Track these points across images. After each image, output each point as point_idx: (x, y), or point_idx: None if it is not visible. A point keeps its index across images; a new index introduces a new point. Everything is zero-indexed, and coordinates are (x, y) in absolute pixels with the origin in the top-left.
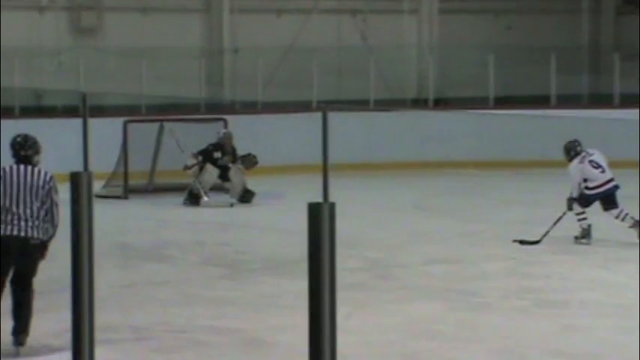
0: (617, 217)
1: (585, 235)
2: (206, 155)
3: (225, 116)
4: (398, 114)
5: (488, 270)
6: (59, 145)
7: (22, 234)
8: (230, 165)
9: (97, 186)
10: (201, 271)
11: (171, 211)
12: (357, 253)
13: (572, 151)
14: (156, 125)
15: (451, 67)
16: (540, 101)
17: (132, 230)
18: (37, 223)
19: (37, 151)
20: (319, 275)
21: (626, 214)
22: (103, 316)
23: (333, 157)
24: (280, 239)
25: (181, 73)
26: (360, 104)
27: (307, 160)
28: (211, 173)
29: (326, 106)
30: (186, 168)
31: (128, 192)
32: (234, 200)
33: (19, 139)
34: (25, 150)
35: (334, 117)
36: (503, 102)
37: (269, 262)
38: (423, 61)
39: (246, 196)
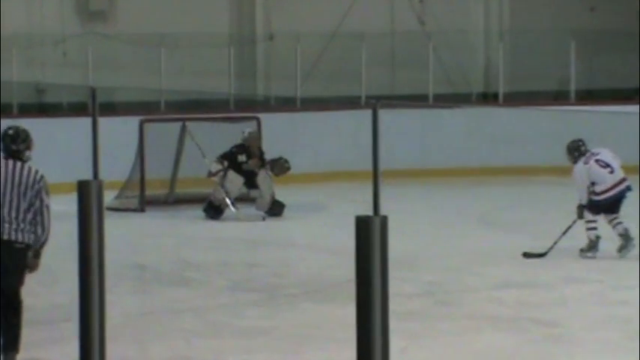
0: (609, 222)
1: (592, 247)
2: (230, 159)
3: (258, 114)
4: (461, 111)
5: (568, 295)
6: (64, 149)
7: (5, 237)
8: (257, 170)
9: (109, 197)
10: (230, 296)
11: (194, 226)
12: (413, 276)
13: (575, 151)
14: (177, 125)
15: (524, 55)
16: (629, 95)
17: (149, 249)
18: (22, 225)
19: (28, 146)
20: (369, 302)
21: (620, 223)
22: (115, 350)
23: (385, 163)
24: (322, 259)
25: (207, 65)
26: (416, 100)
27: (354, 166)
28: (234, 181)
29: (377, 102)
30: (211, 175)
31: (145, 204)
32: (264, 213)
33: (10, 132)
34: (16, 144)
35: (386, 115)
36: (586, 97)
37: (309, 286)
38: (491, 49)
39: (274, 208)
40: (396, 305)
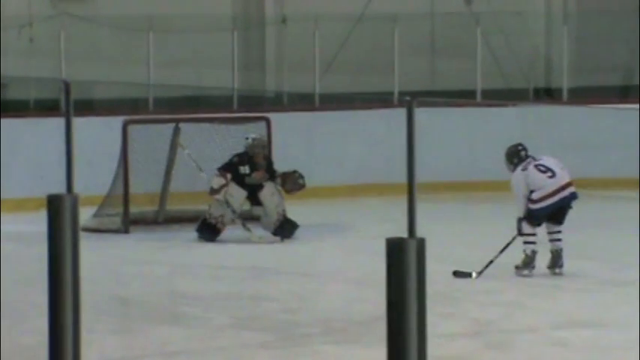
0: (548, 234)
1: (528, 263)
2: (231, 171)
3: (267, 114)
4: (516, 110)
5: None
6: (31, 155)
7: None
8: (264, 184)
9: (86, 215)
10: (233, 336)
11: (189, 250)
12: (458, 312)
13: (514, 157)
14: (169, 127)
15: (593, 42)
16: None
17: (134, 278)
18: None
19: None
20: (402, 343)
21: (558, 240)
22: None
23: (423, 174)
24: (345, 291)
25: (205, 53)
26: (461, 96)
27: (384, 178)
28: (235, 195)
29: (412, 99)
30: (213, 192)
31: (129, 224)
32: (276, 235)
33: None
34: None
35: (424, 115)
36: None
37: (330, 323)
38: (553, 35)
39: (284, 229)
40: (435, 348)
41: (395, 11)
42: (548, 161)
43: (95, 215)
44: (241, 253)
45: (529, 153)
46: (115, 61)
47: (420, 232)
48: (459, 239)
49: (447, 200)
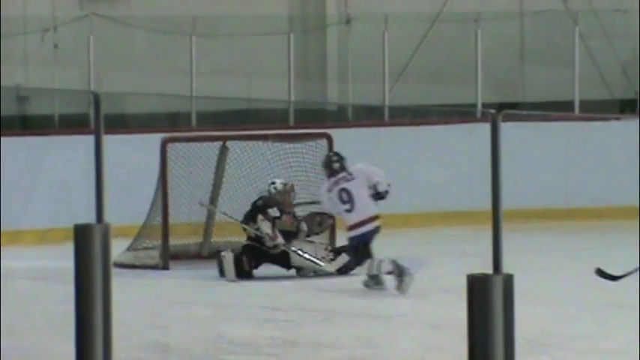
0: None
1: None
2: (256, 217)
3: (328, 130)
4: (621, 125)
5: None
6: (56, 179)
7: None
8: (293, 230)
9: (119, 248)
10: None
11: (237, 289)
12: None
13: (326, 168)
14: (214, 146)
15: None
16: None
17: (175, 321)
18: None
19: None
20: None
21: (380, 261)
22: None
23: (510, 199)
24: (421, 337)
25: (256, 60)
26: (556, 109)
27: (465, 205)
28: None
29: (498, 112)
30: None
31: (169, 258)
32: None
33: None
34: None
35: (512, 130)
36: None
37: None
38: None
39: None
40: None
41: (477, 10)
42: (356, 185)
43: (129, 248)
44: (298, 293)
45: (347, 165)
46: (152, 69)
47: (507, 267)
48: (554, 276)
49: (539, 230)
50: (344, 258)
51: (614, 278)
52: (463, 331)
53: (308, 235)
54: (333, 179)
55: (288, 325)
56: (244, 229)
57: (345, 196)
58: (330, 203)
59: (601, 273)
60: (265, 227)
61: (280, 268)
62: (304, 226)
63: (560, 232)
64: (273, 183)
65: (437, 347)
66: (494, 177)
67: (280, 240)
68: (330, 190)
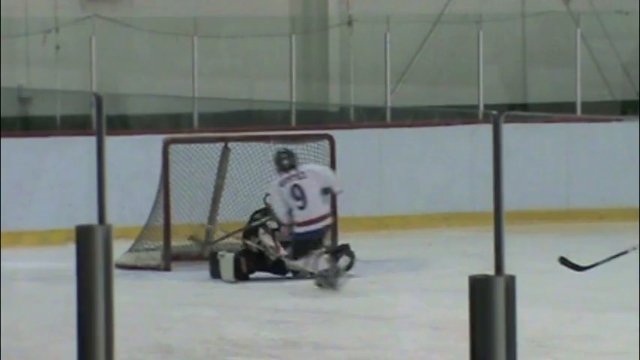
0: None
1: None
2: (253, 233)
3: (330, 131)
4: (623, 126)
5: None
6: (58, 180)
7: None
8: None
9: (121, 249)
10: None
11: (240, 290)
12: None
13: (277, 164)
14: (216, 147)
15: None
16: None
17: (177, 323)
18: None
19: None
20: None
21: (317, 259)
22: None
23: (512, 201)
24: (422, 338)
25: (258, 61)
26: (558, 110)
27: (467, 206)
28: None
29: (500, 113)
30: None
31: (170, 259)
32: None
33: None
34: None
35: (514, 132)
36: None
37: None
38: None
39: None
40: None
41: (479, 11)
42: (310, 183)
43: (131, 249)
44: (301, 294)
45: (295, 163)
46: (154, 70)
47: (508, 268)
48: (556, 277)
49: (540, 232)
50: (345, 260)
51: (578, 268)
52: (465, 333)
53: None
54: (285, 175)
55: (290, 326)
56: (246, 245)
57: (297, 193)
58: (280, 198)
59: (565, 262)
60: (267, 240)
61: (276, 273)
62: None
63: (562, 233)
64: (269, 194)
65: (439, 348)
66: (496, 178)
67: (283, 252)
68: (282, 184)
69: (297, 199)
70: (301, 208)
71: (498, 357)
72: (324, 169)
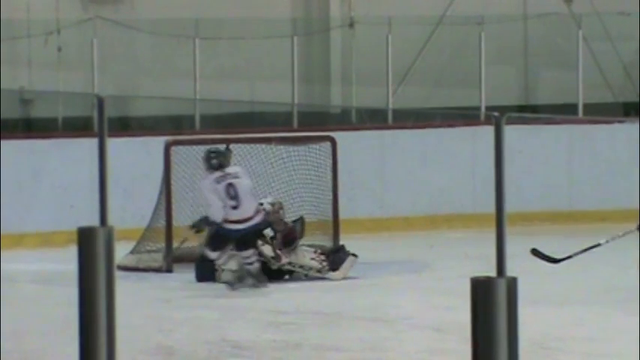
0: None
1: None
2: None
3: (332, 133)
4: (624, 128)
5: None
6: (59, 182)
7: None
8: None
9: (123, 251)
10: None
11: (241, 292)
12: None
13: (206, 163)
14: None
15: None
16: None
17: (179, 324)
18: None
19: None
20: None
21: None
22: None
23: (513, 203)
24: (424, 340)
25: (260, 62)
26: (559, 112)
27: (469, 208)
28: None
29: (501, 115)
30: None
31: (172, 261)
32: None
33: None
34: None
35: (516, 133)
36: None
37: None
38: None
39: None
40: None
41: (481, 13)
42: (242, 186)
43: (133, 251)
44: (302, 296)
45: (224, 163)
46: (156, 72)
47: (510, 270)
48: (558, 279)
49: (542, 233)
50: (350, 262)
51: (551, 260)
52: (467, 335)
53: (298, 238)
54: (219, 174)
55: (292, 328)
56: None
57: (232, 192)
58: (214, 195)
59: (537, 254)
60: (267, 251)
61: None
62: (299, 237)
63: (564, 234)
64: (261, 204)
65: (441, 350)
66: (498, 180)
67: (285, 259)
68: (218, 182)
69: (232, 198)
70: (235, 207)
71: (500, 359)
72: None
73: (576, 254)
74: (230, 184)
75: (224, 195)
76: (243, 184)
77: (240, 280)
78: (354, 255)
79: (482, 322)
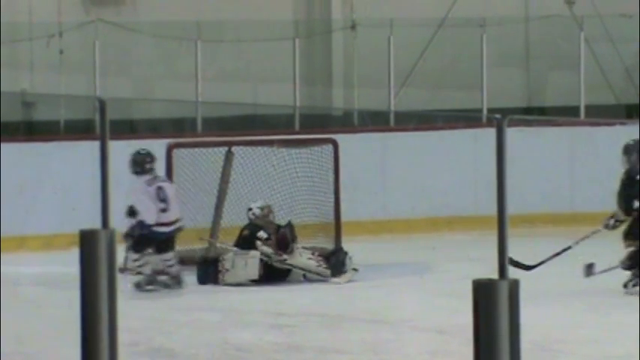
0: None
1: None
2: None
3: (334, 135)
4: (626, 130)
5: None
6: (61, 184)
7: None
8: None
9: (124, 253)
10: None
11: (244, 294)
12: None
13: (137, 166)
14: (220, 152)
15: None
16: None
17: (181, 327)
18: None
19: None
20: None
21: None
22: None
23: (516, 205)
24: (426, 342)
25: (262, 65)
26: (561, 114)
27: (471, 210)
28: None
29: (503, 117)
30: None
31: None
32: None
33: None
34: None
35: (518, 136)
36: None
37: None
38: None
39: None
40: None
41: (483, 15)
42: (169, 190)
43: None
44: (305, 298)
45: (153, 166)
46: (158, 75)
47: (512, 272)
48: (559, 281)
49: (544, 236)
50: (351, 273)
51: (527, 268)
52: (469, 337)
53: (292, 242)
54: (149, 177)
55: (294, 331)
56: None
57: (162, 195)
58: (145, 196)
59: (514, 263)
60: (267, 249)
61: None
62: (292, 241)
63: (566, 237)
64: (251, 209)
65: (443, 352)
66: (500, 182)
67: (285, 255)
68: (149, 184)
69: (162, 200)
70: (164, 210)
71: (502, 357)
72: None
73: (548, 259)
74: (160, 187)
75: (155, 198)
76: (170, 187)
77: (149, 282)
78: (355, 269)
79: (484, 324)
